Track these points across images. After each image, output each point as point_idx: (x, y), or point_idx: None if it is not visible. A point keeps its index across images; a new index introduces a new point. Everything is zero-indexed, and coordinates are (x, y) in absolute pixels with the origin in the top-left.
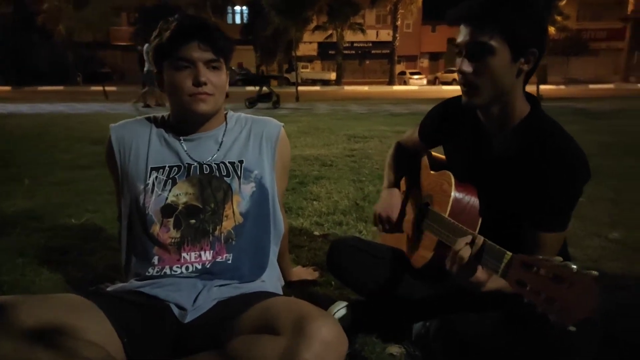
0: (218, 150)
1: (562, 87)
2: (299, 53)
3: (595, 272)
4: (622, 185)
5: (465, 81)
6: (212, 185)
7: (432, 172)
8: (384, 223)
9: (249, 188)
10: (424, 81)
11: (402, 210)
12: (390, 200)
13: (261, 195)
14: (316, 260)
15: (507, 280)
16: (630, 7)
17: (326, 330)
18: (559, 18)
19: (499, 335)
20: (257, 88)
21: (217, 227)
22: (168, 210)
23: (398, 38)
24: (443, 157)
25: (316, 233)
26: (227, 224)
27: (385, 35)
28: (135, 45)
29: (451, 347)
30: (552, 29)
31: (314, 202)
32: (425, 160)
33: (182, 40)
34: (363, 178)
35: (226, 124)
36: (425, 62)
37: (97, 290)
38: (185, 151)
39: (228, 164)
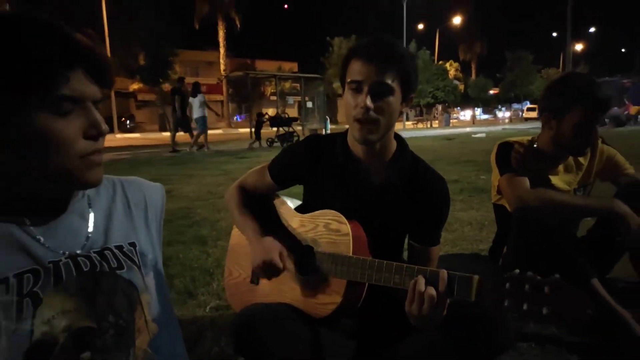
0: (90, 230)
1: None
2: None
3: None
4: None
5: (367, 117)
6: (104, 288)
7: (300, 214)
8: (269, 270)
9: (152, 281)
10: None
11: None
12: (270, 244)
13: (163, 288)
14: None
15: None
16: (222, 68)
17: None
18: (171, 72)
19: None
20: (275, 129)
21: (130, 352)
22: (40, 351)
23: None
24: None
25: None
26: (142, 342)
27: None
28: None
29: None
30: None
31: None
32: (283, 202)
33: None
34: None
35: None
36: None
37: None
38: (39, 241)
39: (115, 250)
